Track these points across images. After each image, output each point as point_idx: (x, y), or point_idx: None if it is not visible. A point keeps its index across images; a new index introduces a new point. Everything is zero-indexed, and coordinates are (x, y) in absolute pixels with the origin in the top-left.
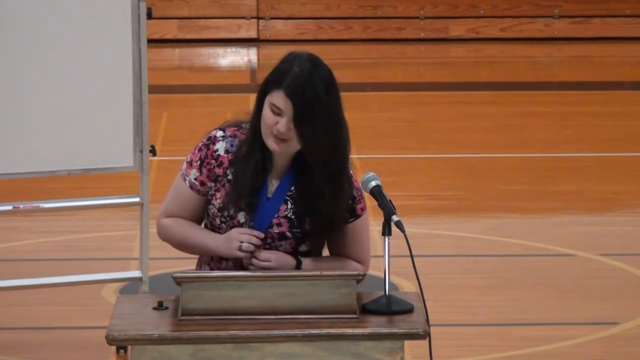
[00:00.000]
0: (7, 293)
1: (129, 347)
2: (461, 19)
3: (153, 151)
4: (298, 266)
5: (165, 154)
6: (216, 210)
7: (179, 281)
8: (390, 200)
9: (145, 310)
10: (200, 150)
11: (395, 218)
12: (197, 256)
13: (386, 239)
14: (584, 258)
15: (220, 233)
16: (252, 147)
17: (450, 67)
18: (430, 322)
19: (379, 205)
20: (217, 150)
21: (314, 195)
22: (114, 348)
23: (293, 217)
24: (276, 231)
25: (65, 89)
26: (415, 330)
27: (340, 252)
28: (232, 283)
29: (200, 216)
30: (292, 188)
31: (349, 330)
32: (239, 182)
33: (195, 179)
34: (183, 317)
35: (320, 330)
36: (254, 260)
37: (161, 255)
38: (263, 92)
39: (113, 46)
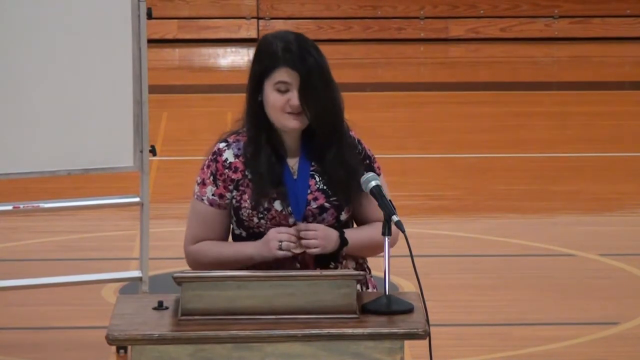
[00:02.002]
0: (7, 293)
1: (129, 347)
2: (461, 19)
3: (153, 151)
4: (343, 243)
5: (165, 154)
6: (251, 211)
7: (179, 281)
8: (390, 200)
9: (145, 310)
10: (208, 167)
11: (395, 218)
12: None
13: (386, 239)
14: (584, 258)
15: (261, 231)
16: (257, 142)
17: (450, 67)
18: (430, 322)
19: (379, 205)
20: (226, 159)
21: (334, 158)
22: (114, 348)
23: (325, 187)
24: (314, 206)
25: (66, 89)
26: (415, 330)
27: (368, 218)
28: (232, 283)
29: (227, 232)
30: (313, 163)
31: (349, 330)
32: (259, 178)
33: (213, 194)
34: (183, 317)
35: (320, 330)
36: (304, 242)
37: (161, 255)
38: (258, 84)
39: (113, 46)
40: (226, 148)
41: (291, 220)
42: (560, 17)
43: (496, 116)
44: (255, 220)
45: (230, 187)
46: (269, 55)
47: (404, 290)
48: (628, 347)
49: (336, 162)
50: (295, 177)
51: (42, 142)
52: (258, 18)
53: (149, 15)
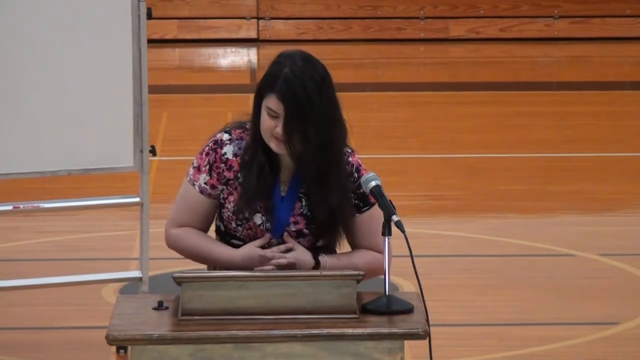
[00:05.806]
0: (7, 293)
1: (129, 347)
2: (461, 19)
3: (153, 151)
4: (316, 267)
5: (165, 154)
6: (231, 214)
7: (179, 281)
8: (390, 200)
9: (145, 310)
10: (207, 154)
11: (395, 218)
12: None
13: (386, 239)
14: (584, 258)
15: (236, 236)
16: (254, 151)
17: (450, 67)
18: (430, 322)
19: (379, 204)
20: (225, 153)
21: (318, 197)
22: (114, 348)
23: (308, 213)
24: (293, 229)
25: (65, 89)
26: (415, 330)
27: (358, 244)
28: (232, 283)
29: (211, 220)
30: (305, 185)
31: (349, 330)
32: (248, 187)
33: (205, 183)
34: (183, 317)
35: (320, 330)
36: (275, 255)
37: (161, 255)
38: (259, 97)
39: (113, 46)
40: (228, 142)
41: (267, 236)
42: (560, 17)
43: (496, 116)
44: (233, 225)
45: (222, 181)
46: (272, 76)
47: (404, 290)
48: (628, 347)
49: (319, 201)
50: (283, 194)
51: (42, 142)
52: (258, 18)
53: (149, 15)
